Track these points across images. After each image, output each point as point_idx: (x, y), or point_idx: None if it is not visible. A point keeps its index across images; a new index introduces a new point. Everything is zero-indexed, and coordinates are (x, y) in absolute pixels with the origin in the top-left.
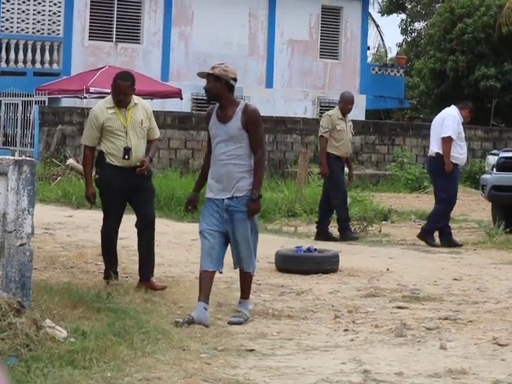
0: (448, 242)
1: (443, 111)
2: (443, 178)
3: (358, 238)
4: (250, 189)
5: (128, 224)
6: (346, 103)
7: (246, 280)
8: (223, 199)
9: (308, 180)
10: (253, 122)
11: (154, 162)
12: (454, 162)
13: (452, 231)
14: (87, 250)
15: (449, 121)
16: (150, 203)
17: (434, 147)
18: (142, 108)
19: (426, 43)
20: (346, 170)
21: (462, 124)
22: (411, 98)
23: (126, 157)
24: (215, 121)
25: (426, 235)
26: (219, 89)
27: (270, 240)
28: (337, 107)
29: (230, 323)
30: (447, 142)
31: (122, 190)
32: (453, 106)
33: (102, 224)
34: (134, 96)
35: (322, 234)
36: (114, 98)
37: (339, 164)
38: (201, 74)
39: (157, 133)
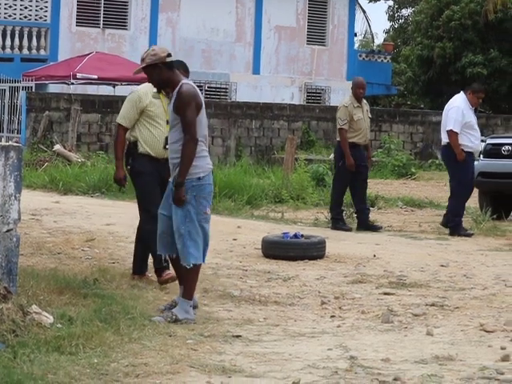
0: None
1: (452, 99)
2: (456, 167)
3: (351, 229)
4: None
5: (117, 210)
6: (357, 88)
7: (182, 274)
8: (169, 182)
9: (295, 166)
10: (181, 104)
11: None
12: (466, 150)
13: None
14: (74, 235)
15: (452, 113)
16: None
17: (444, 137)
18: None
19: (413, 30)
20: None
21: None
22: (398, 84)
23: (167, 146)
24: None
25: (455, 232)
26: (161, 74)
27: (256, 226)
28: (350, 94)
29: (152, 320)
30: (451, 135)
31: (157, 181)
32: (462, 91)
33: (139, 219)
34: None
35: (363, 224)
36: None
37: (357, 153)
38: (138, 72)
39: None
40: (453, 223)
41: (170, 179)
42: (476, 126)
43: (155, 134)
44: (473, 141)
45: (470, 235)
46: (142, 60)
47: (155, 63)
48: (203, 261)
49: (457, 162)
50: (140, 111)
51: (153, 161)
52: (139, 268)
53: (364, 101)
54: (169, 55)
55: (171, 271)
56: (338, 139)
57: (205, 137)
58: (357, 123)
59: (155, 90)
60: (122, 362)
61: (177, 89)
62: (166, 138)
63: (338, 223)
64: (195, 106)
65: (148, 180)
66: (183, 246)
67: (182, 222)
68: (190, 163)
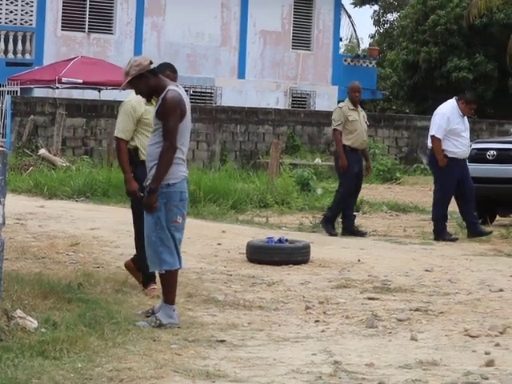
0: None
1: (441, 105)
2: (439, 172)
3: (337, 234)
4: None
5: (101, 214)
6: (353, 91)
7: (161, 281)
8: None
9: (279, 171)
10: (165, 111)
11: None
12: (450, 156)
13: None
14: (59, 240)
15: (437, 119)
16: None
17: (429, 142)
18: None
19: (398, 34)
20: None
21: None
22: (383, 89)
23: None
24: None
25: (440, 237)
26: (149, 82)
27: (241, 231)
28: (347, 99)
29: (136, 324)
30: (433, 140)
31: None
32: (454, 98)
33: (134, 231)
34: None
35: (348, 230)
36: None
37: (354, 157)
38: (125, 87)
39: None
40: (437, 228)
41: (145, 183)
42: (464, 133)
43: None
44: (459, 147)
45: (454, 240)
46: (127, 74)
47: (141, 73)
48: (180, 266)
49: (439, 167)
50: (136, 121)
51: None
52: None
53: (360, 107)
54: (151, 62)
55: (157, 286)
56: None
57: (184, 144)
58: (352, 124)
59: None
60: (106, 366)
61: (162, 95)
62: None
63: (328, 226)
64: (179, 113)
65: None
66: (154, 252)
67: (152, 228)
68: (166, 170)
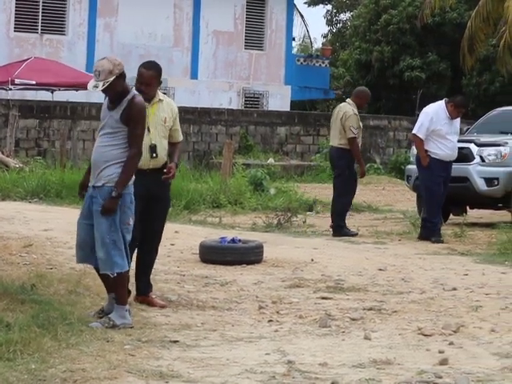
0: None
1: (430, 104)
2: (423, 172)
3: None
4: (110, 179)
5: (55, 216)
6: (365, 100)
7: (106, 282)
8: (90, 186)
9: (233, 171)
10: (133, 117)
11: (78, 154)
12: (433, 157)
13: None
14: (12, 241)
15: (420, 117)
16: (163, 217)
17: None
18: (168, 106)
19: (351, 34)
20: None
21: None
22: (336, 88)
23: (154, 155)
24: (106, 105)
25: (430, 235)
26: (122, 85)
27: (194, 231)
28: (351, 102)
29: (89, 325)
30: (414, 139)
31: (142, 198)
32: (444, 99)
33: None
34: (159, 92)
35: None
36: (137, 89)
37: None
38: (108, 88)
39: (181, 135)
40: (429, 227)
41: (90, 184)
42: (450, 136)
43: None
44: (442, 149)
45: (440, 241)
46: (111, 72)
47: (121, 73)
48: (129, 267)
49: (423, 167)
50: None
51: (138, 173)
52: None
53: None
54: (120, 65)
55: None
56: (337, 145)
57: None
58: (360, 131)
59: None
60: (59, 367)
61: (128, 98)
62: (150, 147)
63: (342, 230)
64: (145, 119)
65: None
66: (107, 254)
67: (107, 231)
68: (132, 176)
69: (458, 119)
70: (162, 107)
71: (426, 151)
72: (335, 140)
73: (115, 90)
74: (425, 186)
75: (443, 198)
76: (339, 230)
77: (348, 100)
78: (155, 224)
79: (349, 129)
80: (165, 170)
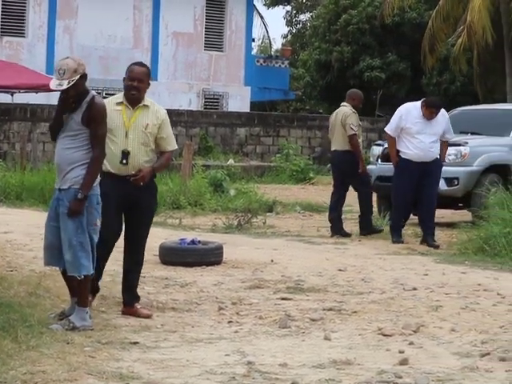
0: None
1: (406, 103)
2: (394, 171)
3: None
4: (76, 182)
5: (14, 218)
6: (359, 101)
7: (71, 285)
8: (56, 189)
9: (192, 172)
10: (95, 119)
11: (39, 156)
12: (403, 157)
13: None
14: None
15: (393, 115)
16: (145, 226)
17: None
18: (153, 113)
19: (311, 35)
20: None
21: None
22: (296, 89)
23: (124, 161)
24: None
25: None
26: (83, 85)
27: (154, 232)
28: (348, 105)
29: (49, 327)
30: (386, 135)
31: (118, 204)
32: (422, 99)
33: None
34: (147, 98)
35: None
36: (126, 86)
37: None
38: (69, 84)
39: (170, 144)
40: (391, 226)
41: (56, 186)
42: (421, 136)
43: (112, 149)
44: (411, 148)
45: (400, 242)
46: (75, 71)
47: (84, 73)
48: (93, 270)
49: (394, 167)
50: None
51: (115, 179)
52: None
53: None
54: (83, 66)
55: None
56: (337, 149)
57: None
58: (360, 130)
59: (119, 100)
60: (20, 369)
61: (87, 100)
62: (122, 152)
63: (371, 227)
64: (106, 120)
65: (107, 200)
66: (74, 257)
67: (73, 233)
68: (96, 177)
69: (442, 122)
70: (146, 113)
71: (398, 151)
72: (339, 144)
73: (78, 90)
74: (394, 185)
75: (409, 199)
76: (369, 227)
77: (343, 103)
78: (135, 235)
79: (349, 126)
80: (133, 172)
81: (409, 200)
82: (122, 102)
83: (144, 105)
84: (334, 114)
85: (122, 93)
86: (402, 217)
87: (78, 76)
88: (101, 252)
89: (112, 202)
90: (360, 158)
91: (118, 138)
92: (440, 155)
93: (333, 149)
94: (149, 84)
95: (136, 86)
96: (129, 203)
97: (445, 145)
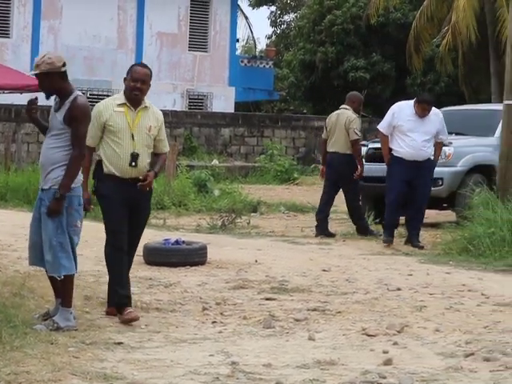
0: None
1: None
2: (387, 170)
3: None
4: (56, 182)
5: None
6: (359, 104)
7: (55, 286)
8: (40, 189)
9: (176, 173)
10: (76, 118)
11: (23, 157)
12: (395, 155)
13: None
14: None
15: (386, 113)
16: (141, 228)
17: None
18: (153, 114)
19: (295, 35)
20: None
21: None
22: (281, 89)
23: (134, 164)
24: (53, 108)
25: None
26: (53, 83)
27: None
28: (349, 108)
29: (33, 328)
30: (379, 133)
31: (123, 208)
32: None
33: (105, 243)
34: (146, 99)
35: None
36: (129, 87)
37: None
38: (34, 74)
39: (166, 145)
40: (385, 224)
41: (39, 186)
42: (413, 134)
43: (118, 152)
44: (402, 146)
45: (389, 241)
46: (37, 66)
47: (49, 72)
48: (76, 271)
49: (386, 165)
50: (101, 127)
51: (118, 182)
52: (111, 299)
53: None
54: (64, 64)
55: (132, 309)
56: (338, 151)
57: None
58: (361, 134)
59: (120, 101)
60: (4, 370)
61: (71, 99)
62: (132, 155)
63: (368, 229)
64: (88, 120)
65: (112, 203)
66: (54, 257)
67: (53, 233)
68: (75, 177)
69: (435, 121)
70: (148, 115)
71: (391, 150)
72: (340, 146)
73: (42, 86)
74: (386, 184)
75: (402, 197)
76: (365, 230)
77: (344, 106)
78: (132, 236)
79: (353, 131)
80: (141, 177)
81: (401, 198)
82: (123, 104)
83: (145, 106)
84: (335, 115)
85: (121, 93)
86: (395, 215)
87: (37, 71)
88: (118, 260)
89: (118, 205)
90: (360, 163)
91: (124, 140)
92: (434, 156)
93: (332, 150)
94: (149, 85)
95: (139, 87)
96: (130, 206)
97: (439, 146)
